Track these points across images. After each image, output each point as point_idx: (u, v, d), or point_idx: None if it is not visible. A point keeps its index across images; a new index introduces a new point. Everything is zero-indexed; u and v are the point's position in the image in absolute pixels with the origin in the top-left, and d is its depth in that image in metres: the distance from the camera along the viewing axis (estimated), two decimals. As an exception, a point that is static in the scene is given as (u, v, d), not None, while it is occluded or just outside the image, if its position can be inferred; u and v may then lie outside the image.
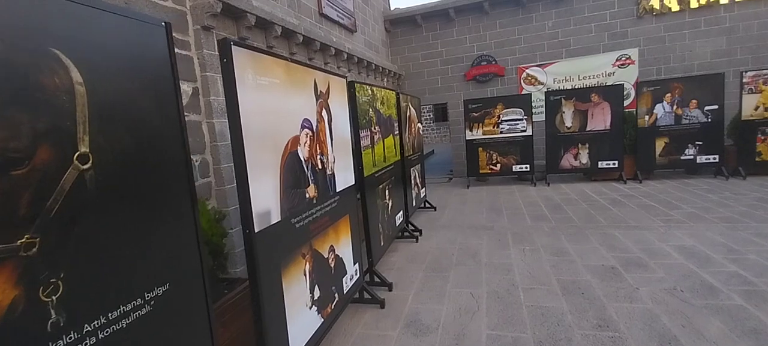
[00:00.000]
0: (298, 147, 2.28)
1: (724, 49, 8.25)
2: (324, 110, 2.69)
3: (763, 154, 7.11)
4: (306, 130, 2.38)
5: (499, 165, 8.61)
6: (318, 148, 2.56)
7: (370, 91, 3.89)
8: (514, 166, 8.52)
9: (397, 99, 5.17)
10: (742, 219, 4.90)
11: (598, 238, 4.69)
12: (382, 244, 4.09)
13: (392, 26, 10.25)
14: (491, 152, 8.61)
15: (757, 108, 7.05)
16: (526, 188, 8.12)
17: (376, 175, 4.01)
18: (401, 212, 5.07)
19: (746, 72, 7.04)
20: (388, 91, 4.60)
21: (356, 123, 3.54)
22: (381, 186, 4.18)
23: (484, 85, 9.92)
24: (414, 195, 5.91)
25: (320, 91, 2.64)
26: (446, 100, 10.32)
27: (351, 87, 3.49)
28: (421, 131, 6.69)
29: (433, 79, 10.31)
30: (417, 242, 5.13)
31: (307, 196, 2.37)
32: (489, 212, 6.41)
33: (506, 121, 8.39)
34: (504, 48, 9.65)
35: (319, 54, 5.89)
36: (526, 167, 8.43)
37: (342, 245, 2.94)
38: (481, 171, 8.74)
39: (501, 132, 8.46)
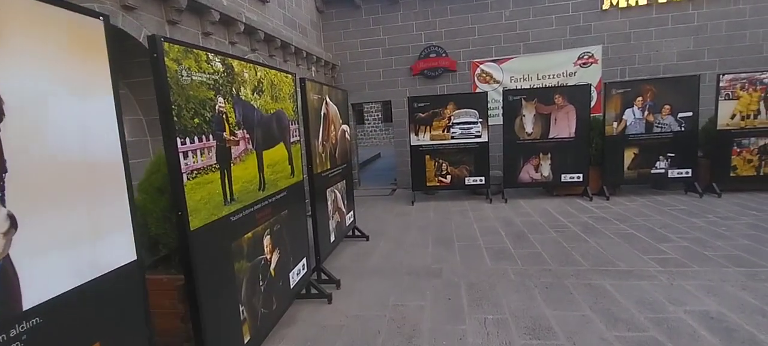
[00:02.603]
0: None
1: (691, 50, 7.48)
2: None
3: (738, 169, 6.30)
4: None
5: (449, 176, 7.17)
6: None
7: (218, 63, 2.10)
8: (466, 179, 7.12)
9: (302, 88, 3.42)
10: (756, 260, 3.76)
11: (585, 295, 3.28)
12: (247, 339, 2.32)
13: (325, 5, 8.46)
14: (440, 161, 7.15)
15: (733, 116, 6.21)
16: (480, 205, 6.74)
17: (235, 218, 2.24)
18: (303, 263, 3.33)
19: (723, 75, 6.18)
20: (274, 71, 2.83)
21: (170, 125, 1.74)
22: (249, 236, 2.41)
23: (433, 80, 8.46)
24: (332, 228, 4.19)
25: None
26: (389, 97, 8.73)
27: (155, 46, 1.69)
28: (348, 135, 4.99)
29: (374, 73, 8.68)
30: (329, 303, 3.41)
31: None
32: (437, 243, 4.88)
33: (458, 124, 6.96)
34: (456, 39, 8.26)
35: (189, 17, 3.96)
36: (481, 180, 7.06)
37: None
38: (428, 183, 7.25)
39: (452, 137, 7.02)
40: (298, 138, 3.24)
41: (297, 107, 3.24)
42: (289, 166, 3.02)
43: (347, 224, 4.84)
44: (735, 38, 7.30)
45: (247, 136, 2.39)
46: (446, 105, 6.99)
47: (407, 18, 8.38)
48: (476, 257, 4.33)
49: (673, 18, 7.44)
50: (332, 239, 4.17)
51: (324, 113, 3.99)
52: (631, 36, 7.64)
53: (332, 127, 4.27)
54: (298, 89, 3.35)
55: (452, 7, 8.16)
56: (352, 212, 5.04)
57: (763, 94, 6.10)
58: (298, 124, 3.27)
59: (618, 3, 7.54)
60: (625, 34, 7.65)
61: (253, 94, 2.49)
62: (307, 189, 3.64)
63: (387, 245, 4.90)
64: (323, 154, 3.94)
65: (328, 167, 4.11)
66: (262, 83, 2.62)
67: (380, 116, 24.33)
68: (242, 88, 2.35)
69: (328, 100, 4.11)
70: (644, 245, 4.38)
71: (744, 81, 6.12)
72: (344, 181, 4.73)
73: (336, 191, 4.38)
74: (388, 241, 5.08)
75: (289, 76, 3.10)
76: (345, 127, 4.82)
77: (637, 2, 7.46)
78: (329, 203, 4.12)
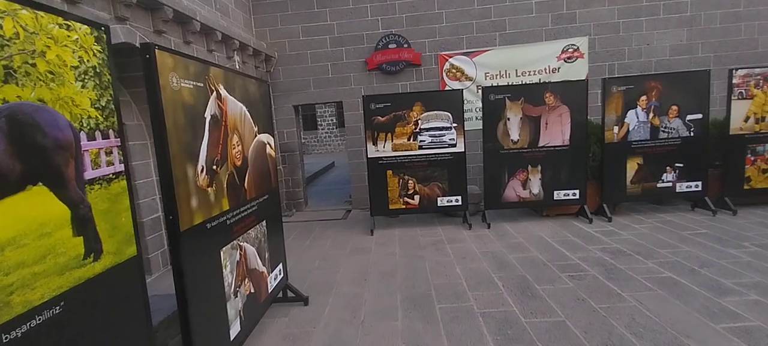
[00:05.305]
0: None
1: (685, 43, 6.58)
2: None
3: (752, 180, 5.35)
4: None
5: (417, 197, 5.64)
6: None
7: None
8: (439, 199, 5.63)
9: (147, 62, 1.68)
10: None
11: None
12: None
13: (255, -20, 6.65)
14: (406, 178, 5.60)
15: (746, 119, 5.26)
16: (458, 234, 5.27)
17: None
18: None
19: (736, 70, 5.21)
20: (4, 2, 1.09)
21: None
22: None
23: (393, 77, 6.93)
24: (236, 310, 2.45)
25: None
26: (340, 97, 7.07)
27: None
28: (271, 149, 3.27)
29: (321, 67, 6.98)
30: None
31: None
32: (409, 307, 3.29)
33: (428, 130, 5.46)
34: (420, 27, 6.80)
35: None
36: (457, 200, 5.61)
37: None
38: (391, 206, 5.67)
39: (420, 147, 5.51)
40: (119, 168, 1.50)
41: (115, 101, 1.49)
42: (79, 238, 1.27)
43: (273, 287, 3.10)
44: (730, 31, 6.49)
45: None
46: (412, 106, 5.47)
47: (360, 0, 6.79)
48: (474, 339, 2.78)
49: (665, 7, 6.50)
50: (236, 331, 2.42)
51: (213, 115, 2.25)
52: (619, 27, 6.60)
53: (235, 138, 2.54)
54: (111, 59, 1.58)
55: (415, -13, 6.70)
56: (280, 266, 3.31)
57: (779, 93, 5.20)
58: (122, 136, 1.53)
59: (605, -12, 6.48)
60: (614, 24, 6.60)
61: None
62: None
63: (334, 316, 3.22)
64: (211, 190, 2.21)
65: (225, 209, 2.37)
66: None
67: (335, 121, 22.59)
68: None
69: (222, 92, 2.38)
70: (701, 300, 3.08)
71: (758, 77, 5.18)
72: (265, 221, 3.00)
73: (245, 244, 2.64)
74: (336, 305, 3.40)
75: (83, 26, 1.35)
76: (265, 137, 3.09)
77: (626, -13, 6.45)
78: (227, 270, 2.37)
